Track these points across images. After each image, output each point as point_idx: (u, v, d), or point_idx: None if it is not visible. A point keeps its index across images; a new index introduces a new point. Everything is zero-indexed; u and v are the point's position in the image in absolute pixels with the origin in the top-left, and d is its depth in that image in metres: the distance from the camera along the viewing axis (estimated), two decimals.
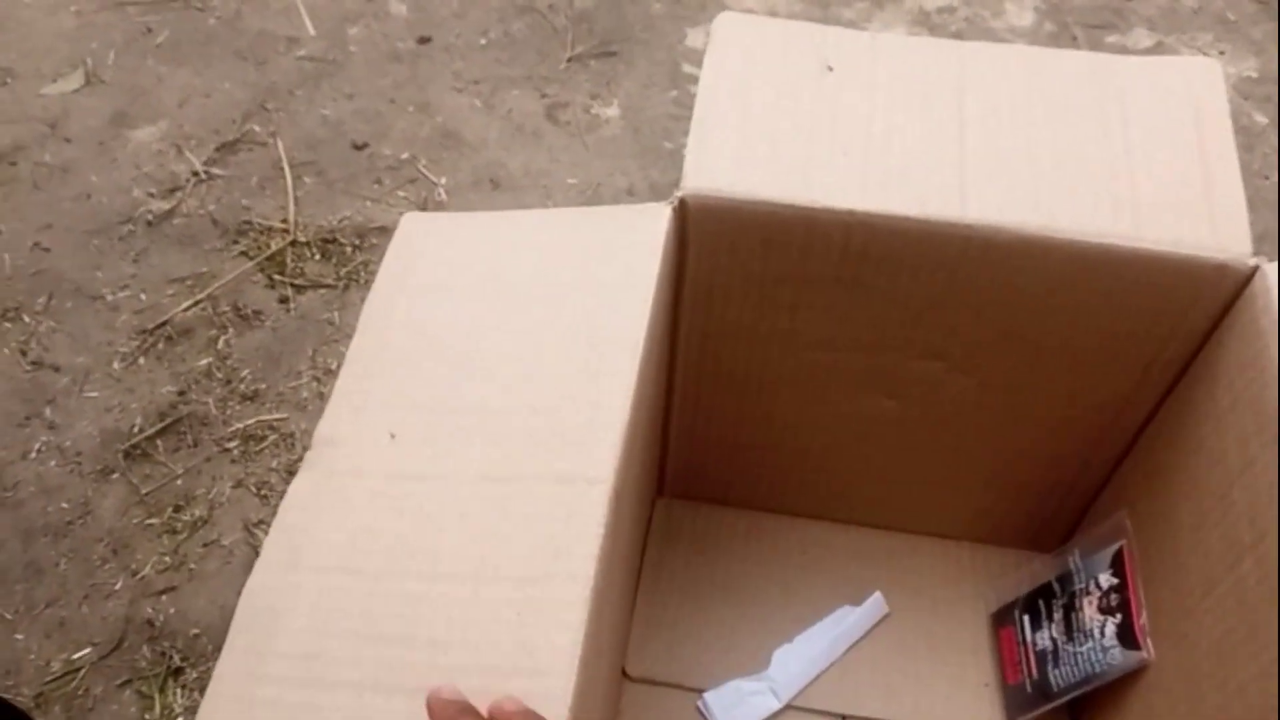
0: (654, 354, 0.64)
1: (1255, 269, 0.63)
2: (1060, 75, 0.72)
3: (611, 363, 0.56)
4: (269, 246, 1.37)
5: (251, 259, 1.36)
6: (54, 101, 1.54)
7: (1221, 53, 1.63)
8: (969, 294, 0.69)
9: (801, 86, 0.70)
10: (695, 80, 1.57)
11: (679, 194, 0.65)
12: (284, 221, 1.40)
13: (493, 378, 0.57)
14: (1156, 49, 1.63)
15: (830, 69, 0.71)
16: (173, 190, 1.43)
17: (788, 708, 0.84)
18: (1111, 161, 0.67)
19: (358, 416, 0.57)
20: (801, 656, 0.86)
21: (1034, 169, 0.67)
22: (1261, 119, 1.53)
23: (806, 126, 0.68)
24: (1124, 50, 1.62)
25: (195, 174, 1.45)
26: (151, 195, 1.43)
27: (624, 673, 0.84)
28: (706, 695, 0.84)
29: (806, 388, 0.80)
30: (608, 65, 1.59)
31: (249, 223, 1.40)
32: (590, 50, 1.61)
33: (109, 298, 1.33)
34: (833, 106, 0.70)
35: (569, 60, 1.60)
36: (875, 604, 0.88)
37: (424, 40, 1.62)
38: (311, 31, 1.63)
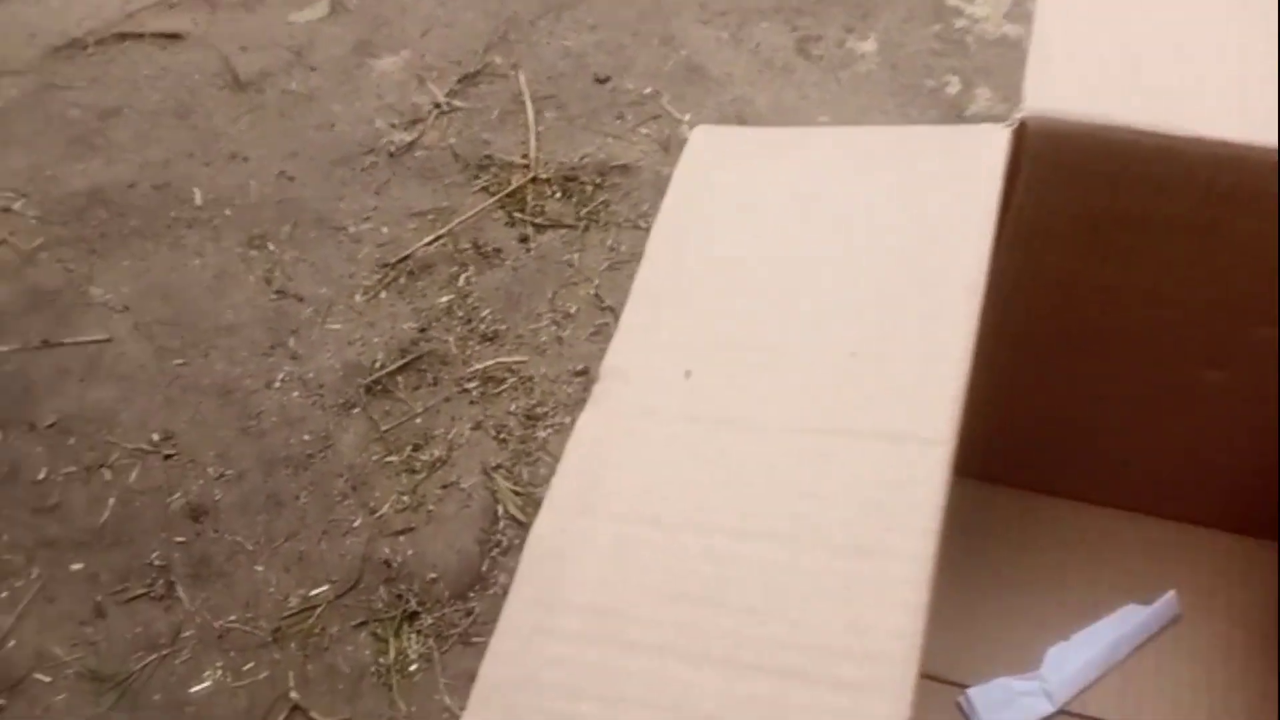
0: None
1: None
2: None
3: (947, 306, 0.49)
4: (509, 183, 1.35)
5: (492, 195, 1.34)
6: (300, 29, 1.56)
7: None
8: None
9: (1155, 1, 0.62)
10: (960, 14, 1.46)
11: (1018, 115, 0.57)
12: (525, 157, 1.37)
13: (802, 315, 0.51)
14: None
15: None
16: (414, 122, 1.43)
17: (1061, 713, 0.76)
18: None
19: (648, 350, 0.51)
20: (1079, 657, 0.78)
21: None
22: None
23: (1162, 46, 0.59)
24: None
25: (437, 105, 1.44)
26: (394, 126, 1.42)
27: None
28: (970, 691, 0.77)
29: (1117, 353, 0.71)
30: None
31: (489, 157, 1.38)
32: None
33: (351, 229, 1.33)
34: (1193, 24, 0.60)
35: None
36: (1167, 604, 0.79)
37: None
38: None
